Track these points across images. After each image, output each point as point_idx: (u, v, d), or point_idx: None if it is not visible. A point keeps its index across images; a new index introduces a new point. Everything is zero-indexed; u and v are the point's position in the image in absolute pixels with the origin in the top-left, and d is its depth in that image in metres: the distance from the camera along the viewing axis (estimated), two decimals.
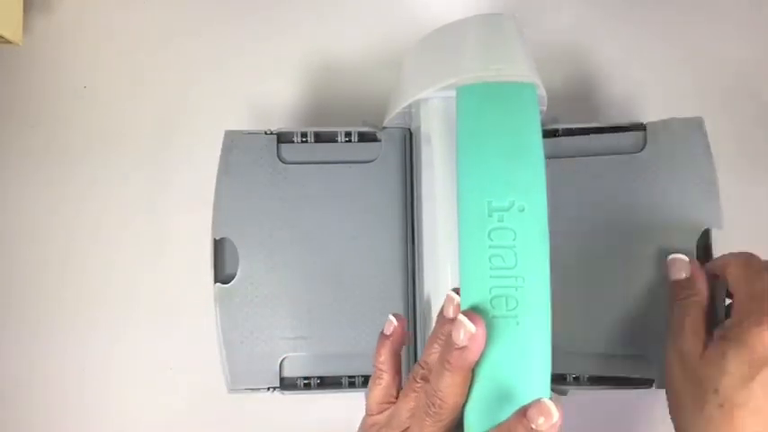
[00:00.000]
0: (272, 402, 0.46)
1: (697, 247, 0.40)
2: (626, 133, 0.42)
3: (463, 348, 0.30)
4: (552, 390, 0.41)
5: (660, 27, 0.52)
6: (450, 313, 0.33)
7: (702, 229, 0.40)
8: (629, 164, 0.41)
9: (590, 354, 0.41)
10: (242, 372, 0.42)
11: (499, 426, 0.30)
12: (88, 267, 0.51)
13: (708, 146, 0.40)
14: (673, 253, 0.39)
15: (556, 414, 0.28)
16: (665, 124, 0.41)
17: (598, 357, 0.41)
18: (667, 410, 0.36)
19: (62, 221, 0.51)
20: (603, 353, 0.41)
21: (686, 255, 0.38)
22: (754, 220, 0.50)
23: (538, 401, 0.28)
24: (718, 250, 0.41)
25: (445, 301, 0.33)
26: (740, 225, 0.50)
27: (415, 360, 0.42)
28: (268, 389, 0.42)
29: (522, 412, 0.28)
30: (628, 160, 0.42)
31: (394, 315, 0.36)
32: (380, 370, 0.35)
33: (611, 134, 0.43)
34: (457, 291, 0.33)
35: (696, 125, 0.41)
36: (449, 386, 0.30)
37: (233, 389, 0.42)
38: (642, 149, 0.41)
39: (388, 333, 0.36)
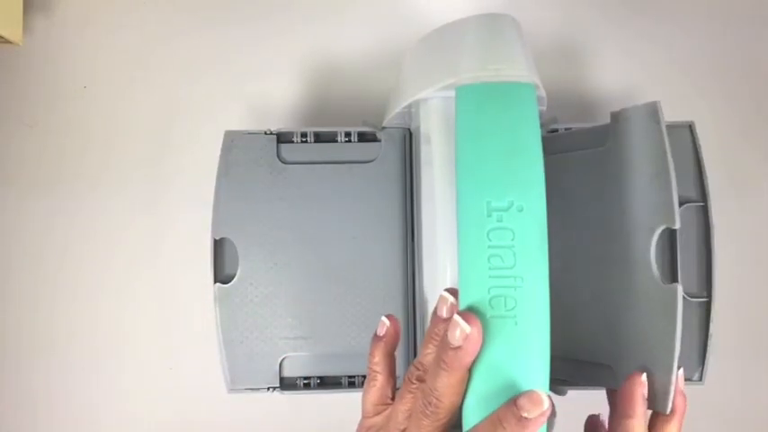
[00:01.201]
0: (272, 402, 0.46)
1: (656, 248, 0.35)
2: (591, 127, 0.40)
3: (458, 348, 0.30)
4: (551, 389, 0.41)
5: (659, 28, 0.52)
6: (443, 313, 0.32)
7: (660, 229, 0.34)
8: (592, 160, 0.39)
9: (558, 357, 0.34)
10: (242, 372, 0.42)
11: (491, 414, 0.30)
12: (87, 267, 0.51)
13: (662, 134, 0.34)
14: (633, 257, 0.35)
15: (546, 403, 0.29)
16: (623, 113, 0.37)
17: (567, 362, 0.40)
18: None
19: (61, 221, 0.51)
20: (571, 358, 0.40)
21: (643, 258, 0.35)
22: (754, 222, 0.50)
23: (529, 391, 0.29)
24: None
25: (438, 300, 0.33)
26: (738, 227, 0.50)
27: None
28: (268, 389, 0.42)
29: (513, 401, 0.29)
30: (592, 156, 0.39)
31: (387, 316, 0.36)
32: (375, 371, 0.35)
33: (578, 131, 0.41)
34: (451, 290, 0.33)
35: (650, 111, 0.35)
36: (445, 386, 0.30)
37: (233, 389, 0.42)
38: (604, 144, 0.38)
39: (381, 334, 0.36)
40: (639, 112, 0.36)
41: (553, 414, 0.30)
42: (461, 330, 0.30)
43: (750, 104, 0.51)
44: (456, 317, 0.30)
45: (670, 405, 0.33)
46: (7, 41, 0.50)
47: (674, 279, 0.35)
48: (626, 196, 0.36)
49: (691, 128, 0.43)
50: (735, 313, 0.49)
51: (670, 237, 0.35)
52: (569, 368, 0.40)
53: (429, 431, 0.31)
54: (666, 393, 0.33)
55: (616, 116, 0.38)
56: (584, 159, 0.39)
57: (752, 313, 0.50)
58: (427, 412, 0.30)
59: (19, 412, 0.50)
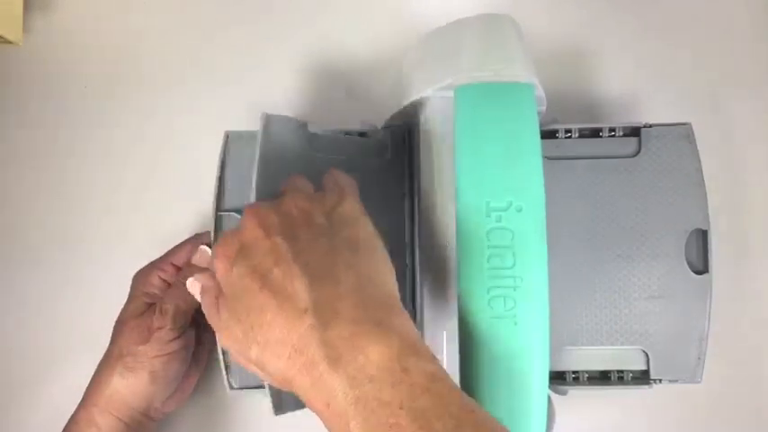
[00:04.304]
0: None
1: (687, 246, 0.41)
2: (622, 138, 0.43)
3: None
4: (551, 389, 0.41)
5: (659, 29, 0.52)
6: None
7: (691, 230, 0.41)
8: (624, 167, 0.43)
9: (592, 349, 0.42)
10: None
11: None
12: (87, 268, 0.51)
13: (696, 151, 0.42)
14: (663, 254, 0.41)
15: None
16: (658, 131, 0.43)
17: (599, 353, 0.42)
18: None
19: (61, 221, 0.51)
20: (604, 348, 0.42)
21: (675, 254, 0.41)
22: (753, 219, 0.50)
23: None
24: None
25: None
26: (734, 225, 0.50)
27: None
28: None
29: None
30: (623, 164, 0.43)
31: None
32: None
33: (607, 139, 0.44)
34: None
35: (685, 132, 0.43)
36: None
37: (233, 389, 0.42)
38: (637, 154, 0.43)
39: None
40: (673, 131, 0.42)
41: (553, 414, 0.30)
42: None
43: (750, 105, 0.51)
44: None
45: (702, 374, 0.40)
46: (7, 41, 0.50)
47: (705, 270, 0.41)
48: (658, 201, 0.42)
49: (688, 129, 0.43)
50: (733, 312, 0.49)
51: (699, 236, 0.41)
52: (601, 358, 0.42)
53: None
54: (698, 365, 0.40)
55: (648, 132, 0.43)
56: (615, 166, 0.43)
57: (751, 312, 0.50)
58: None
59: (21, 410, 0.50)
